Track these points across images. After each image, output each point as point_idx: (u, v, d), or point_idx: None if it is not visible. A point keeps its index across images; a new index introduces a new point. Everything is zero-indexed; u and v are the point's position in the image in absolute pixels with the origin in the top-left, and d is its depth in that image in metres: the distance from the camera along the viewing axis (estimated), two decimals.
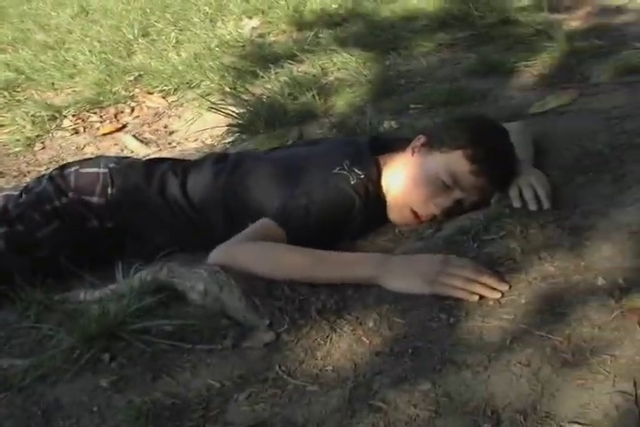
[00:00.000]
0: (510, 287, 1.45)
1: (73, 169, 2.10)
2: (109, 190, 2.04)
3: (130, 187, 2.05)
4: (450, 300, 1.45)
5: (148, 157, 2.25)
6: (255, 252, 1.67)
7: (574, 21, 3.48)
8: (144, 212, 2.03)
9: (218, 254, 1.68)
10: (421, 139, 1.89)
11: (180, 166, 2.10)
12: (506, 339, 1.31)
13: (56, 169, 2.15)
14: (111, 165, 2.09)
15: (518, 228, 1.64)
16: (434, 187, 1.81)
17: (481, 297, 1.43)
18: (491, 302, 1.42)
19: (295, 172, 1.91)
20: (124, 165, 2.12)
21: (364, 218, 1.82)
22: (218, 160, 2.11)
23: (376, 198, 1.86)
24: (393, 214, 1.88)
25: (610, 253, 1.50)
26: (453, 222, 1.77)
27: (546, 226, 1.64)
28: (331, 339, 1.39)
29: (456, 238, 1.67)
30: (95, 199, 2.04)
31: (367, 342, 1.36)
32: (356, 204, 1.80)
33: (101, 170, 2.07)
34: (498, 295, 1.44)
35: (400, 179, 1.87)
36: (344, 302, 1.50)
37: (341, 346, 1.36)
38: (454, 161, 1.80)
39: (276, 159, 2.05)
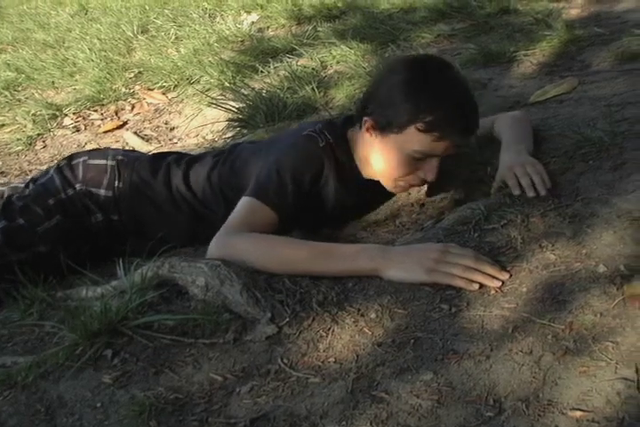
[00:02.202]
0: (511, 276, 1.45)
1: (81, 159, 2.11)
2: (116, 183, 2.06)
3: (137, 180, 2.06)
4: (451, 290, 1.44)
5: (155, 151, 2.25)
6: (254, 246, 1.64)
7: (574, 9, 3.47)
8: (150, 205, 2.05)
9: (216, 248, 1.67)
10: (367, 122, 1.84)
11: (185, 160, 2.11)
12: (507, 328, 1.31)
13: (64, 159, 2.16)
14: (119, 158, 2.10)
15: (519, 217, 1.64)
16: (410, 163, 1.83)
17: (481, 286, 1.43)
18: (492, 292, 1.42)
19: (271, 145, 1.93)
20: (132, 157, 2.13)
21: (337, 184, 1.85)
22: (218, 153, 2.12)
23: (348, 166, 1.89)
24: (390, 188, 1.92)
25: (611, 240, 1.49)
26: (454, 213, 1.77)
27: (546, 214, 1.63)
28: (332, 331, 1.39)
29: (457, 228, 1.67)
30: (102, 192, 2.05)
31: (369, 333, 1.36)
32: (324, 165, 1.83)
33: (109, 162, 2.09)
34: (498, 284, 1.43)
35: (375, 160, 1.88)
36: (345, 293, 1.49)
37: (343, 338, 1.36)
38: (412, 138, 1.78)
39: (259, 142, 2.07)
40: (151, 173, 2.07)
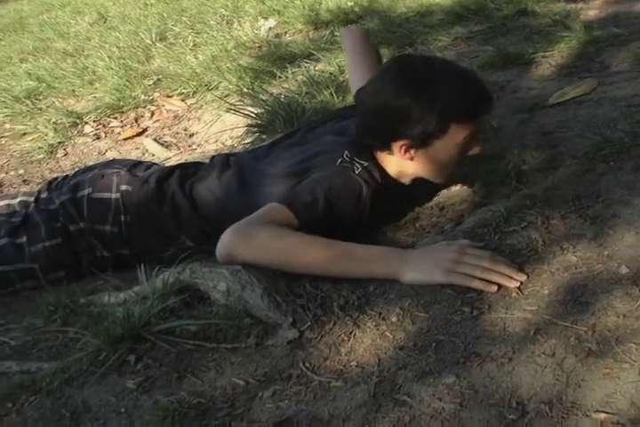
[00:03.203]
0: (529, 277, 1.45)
1: (86, 192, 2.07)
2: (122, 218, 2.02)
3: (144, 214, 2.03)
4: (472, 292, 1.44)
5: (158, 173, 2.12)
6: (276, 237, 1.62)
7: (592, 10, 3.45)
8: (161, 236, 2.02)
9: (232, 235, 1.64)
10: (402, 145, 1.81)
11: (187, 183, 2.05)
12: (529, 330, 1.30)
13: (70, 191, 2.10)
14: (123, 188, 2.05)
15: (539, 218, 1.63)
16: (461, 152, 1.85)
17: (499, 288, 1.43)
18: (514, 294, 1.42)
19: (300, 172, 1.86)
20: (137, 185, 2.07)
21: (371, 205, 1.81)
22: (222, 169, 2.05)
23: (385, 182, 1.86)
24: (441, 182, 1.97)
25: (632, 241, 1.48)
26: (474, 215, 1.77)
27: (567, 216, 1.62)
28: (354, 335, 1.39)
29: (477, 231, 1.67)
30: (108, 228, 2.03)
31: (390, 336, 1.36)
32: (363, 190, 1.79)
33: (113, 195, 2.04)
34: (516, 284, 1.43)
35: (423, 170, 1.87)
36: (366, 297, 1.50)
37: (365, 341, 1.37)
38: (457, 132, 1.79)
39: (278, 168, 1.95)
40: (157, 204, 2.03)
